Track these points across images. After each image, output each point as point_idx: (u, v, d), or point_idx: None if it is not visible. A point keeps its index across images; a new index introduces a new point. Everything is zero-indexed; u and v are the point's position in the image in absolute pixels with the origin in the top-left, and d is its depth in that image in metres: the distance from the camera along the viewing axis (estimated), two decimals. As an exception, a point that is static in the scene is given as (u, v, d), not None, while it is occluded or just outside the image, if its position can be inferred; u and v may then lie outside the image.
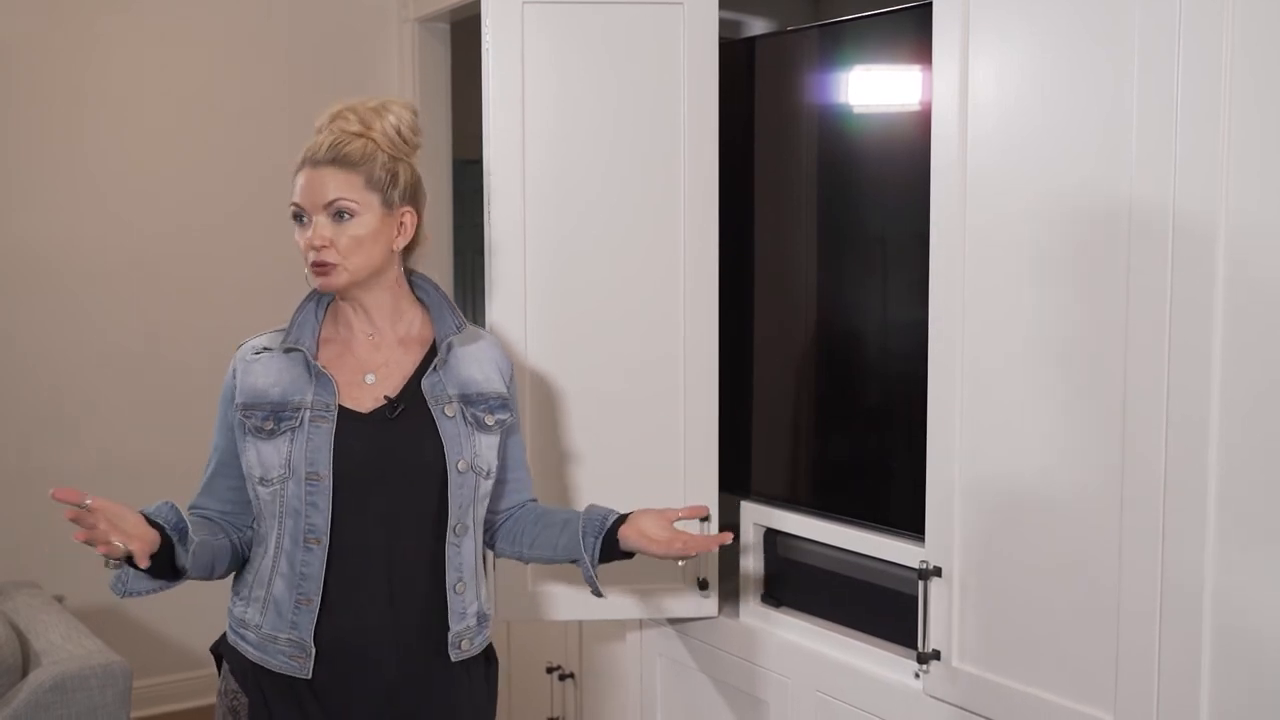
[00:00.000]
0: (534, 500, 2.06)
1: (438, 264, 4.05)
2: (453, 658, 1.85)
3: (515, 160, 2.32)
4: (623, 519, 1.92)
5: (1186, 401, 1.65)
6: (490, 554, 2.09)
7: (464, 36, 4.03)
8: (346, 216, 1.78)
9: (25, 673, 2.65)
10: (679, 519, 1.90)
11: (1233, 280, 1.60)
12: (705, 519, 2.08)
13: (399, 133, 1.84)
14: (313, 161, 1.79)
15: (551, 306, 2.35)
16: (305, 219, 1.80)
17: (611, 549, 1.92)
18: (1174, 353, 1.66)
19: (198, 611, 3.60)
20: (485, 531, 2.00)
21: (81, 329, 3.65)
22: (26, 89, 3.55)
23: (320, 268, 1.78)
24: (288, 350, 1.85)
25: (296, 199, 1.80)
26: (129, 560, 1.60)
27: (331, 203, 1.77)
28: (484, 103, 2.33)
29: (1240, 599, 1.62)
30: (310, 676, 1.80)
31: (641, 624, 2.65)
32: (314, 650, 1.79)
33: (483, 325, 2.33)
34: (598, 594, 1.94)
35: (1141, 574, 1.72)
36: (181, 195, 3.78)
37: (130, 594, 1.71)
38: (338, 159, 1.78)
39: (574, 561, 1.94)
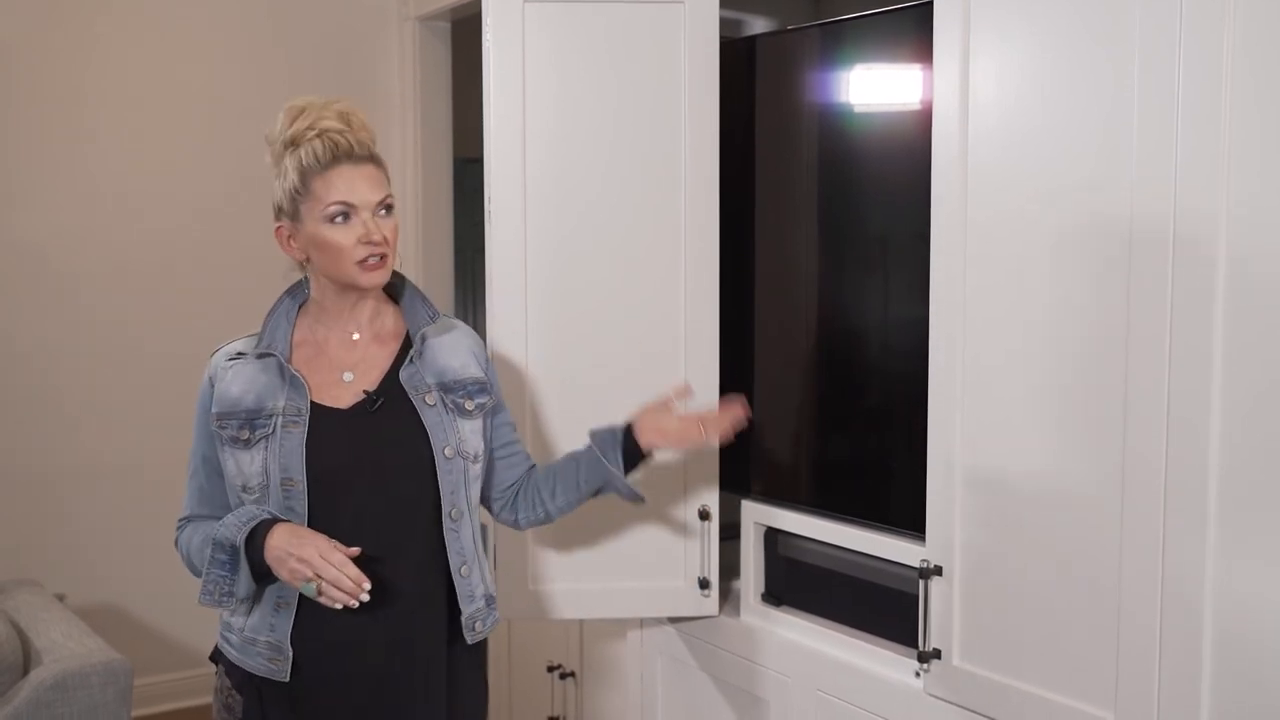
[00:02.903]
0: (534, 466, 2.10)
1: (438, 263, 4.05)
2: (469, 640, 1.88)
3: (515, 159, 2.32)
4: (629, 428, 2.03)
5: (1187, 400, 1.65)
6: (491, 534, 2.10)
7: (465, 35, 4.04)
8: (390, 211, 1.84)
9: (26, 671, 2.66)
10: (672, 401, 2.05)
11: (1233, 279, 1.60)
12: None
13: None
14: (354, 159, 1.80)
15: (551, 306, 2.35)
16: (350, 216, 1.79)
17: (633, 456, 2.02)
18: (1174, 351, 1.66)
19: (198, 610, 3.58)
20: (504, 509, 2.06)
21: (81, 329, 3.65)
22: (26, 89, 3.55)
23: (380, 262, 1.81)
24: (260, 356, 1.84)
25: (344, 197, 1.78)
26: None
27: (383, 199, 1.82)
28: (484, 101, 2.33)
29: (1240, 596, 1.62)
30: (288, 679, 1.79)
31: (642, 623, 2.65)
32: (290, 653, 1.79)
33: (483, 324, 2.34)
34: (639, 499, 2.07)
35: (1142, 572, 1.72)
36: (181, 195, 3.78)
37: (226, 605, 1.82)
38: (373, 156, 1.83)
39: (600, 490, 2.03)
